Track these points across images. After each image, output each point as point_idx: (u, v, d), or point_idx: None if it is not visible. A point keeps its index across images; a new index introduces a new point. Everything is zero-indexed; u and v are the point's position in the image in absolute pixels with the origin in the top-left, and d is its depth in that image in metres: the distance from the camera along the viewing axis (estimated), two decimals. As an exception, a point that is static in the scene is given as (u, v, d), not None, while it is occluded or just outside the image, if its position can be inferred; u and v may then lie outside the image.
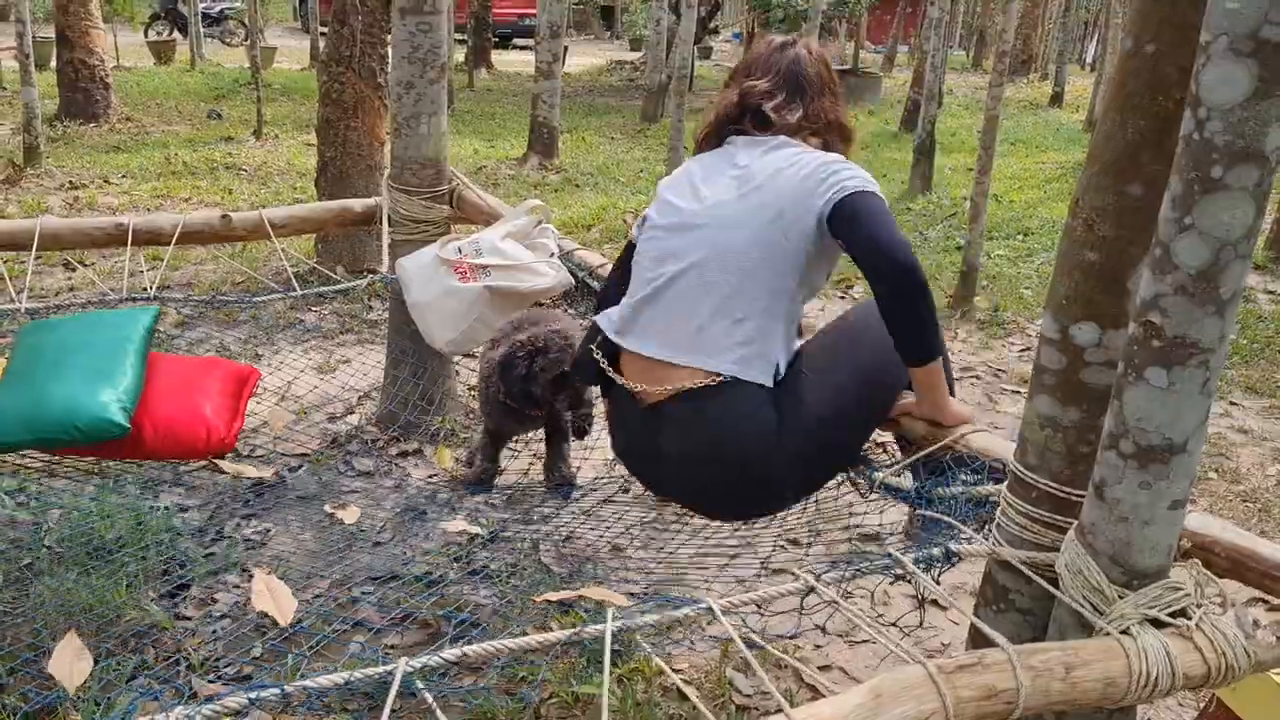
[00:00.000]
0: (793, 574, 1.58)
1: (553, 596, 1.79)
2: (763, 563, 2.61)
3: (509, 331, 2.63)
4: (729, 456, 1.90)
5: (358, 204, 3.79)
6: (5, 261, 5.29)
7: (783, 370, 1.93)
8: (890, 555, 1.58)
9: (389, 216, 3.74)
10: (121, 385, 2.28)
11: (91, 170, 8.38)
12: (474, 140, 11.07)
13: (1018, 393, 4.61)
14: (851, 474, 2.05)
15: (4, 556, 2.65)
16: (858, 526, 2.82)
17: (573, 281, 3.00)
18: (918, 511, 1.83)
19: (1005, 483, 1.66)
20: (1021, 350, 5.18)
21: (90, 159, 8.88)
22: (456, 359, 4.03)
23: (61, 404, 2.19)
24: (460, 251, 3.04)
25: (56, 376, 2.25)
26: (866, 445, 2.04)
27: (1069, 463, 1.55)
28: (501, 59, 20.74)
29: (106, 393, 2.24)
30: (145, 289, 3.04)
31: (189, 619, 2.88)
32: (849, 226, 1.88)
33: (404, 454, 3.77)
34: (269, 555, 3.11)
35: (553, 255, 3.06)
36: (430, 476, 3.52)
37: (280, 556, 3.08)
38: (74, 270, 5.74)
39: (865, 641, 2.65)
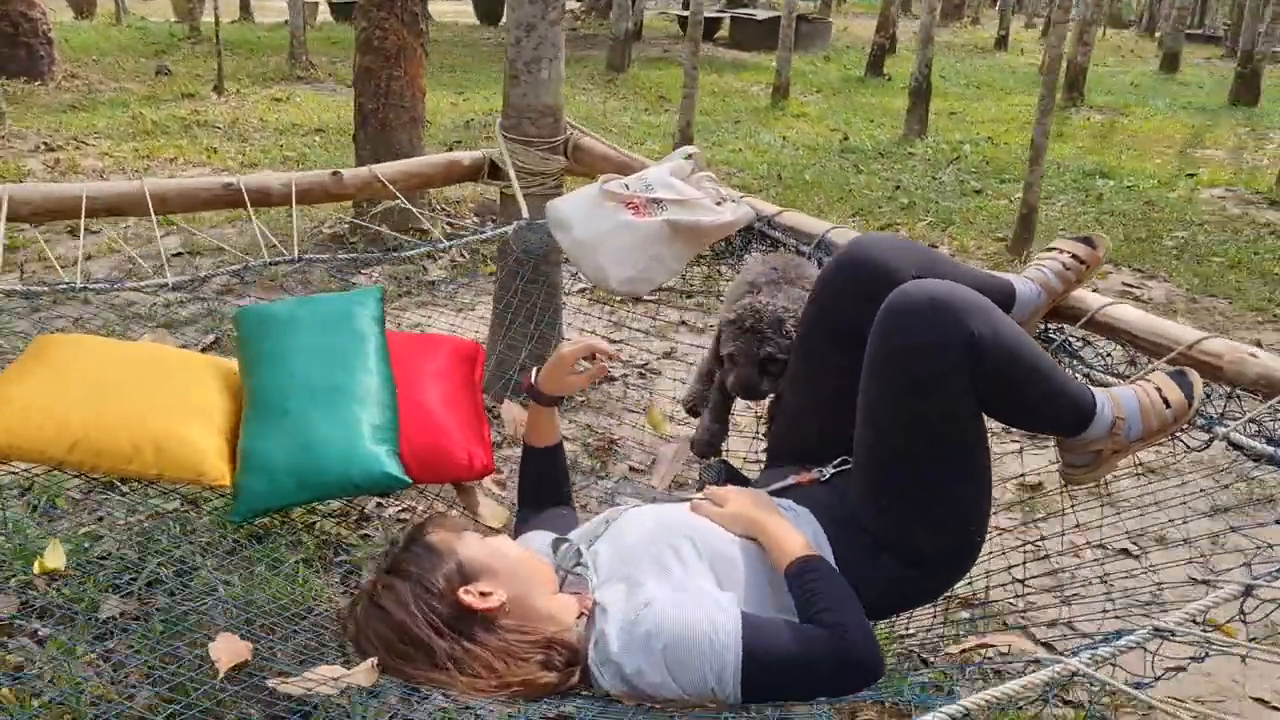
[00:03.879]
0: (1218, 584, 1.47)
1: (959, 647, 1.66)
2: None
3: (770, 280, 2.41)
4: None
5: (465, 157, 3.55)
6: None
7: None
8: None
9: (498, 168, 3.52)
10: (384, 417, 2.07)
11: (61, 132, 7.86)
12: (445, 94, 10.70)
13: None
14: (1180, 426, 1.93)
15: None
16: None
17: (754, 216, 2.84)
18: None
19: None
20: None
21: (51, 119, 8.33)
22: (566, 321, 3.84)
23: (334, 459, 1.97)
24: (628, 187, 2.85)
25: (313, 412, 2.01)
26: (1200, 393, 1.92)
27: None
28: (435, 8, 20.15)
29: (374, 435, 2.03)
30: (275, 247, 2.78)
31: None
32: None
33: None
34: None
35: (722, 201, 2.89)
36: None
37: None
38: (76, 238, 5.35)
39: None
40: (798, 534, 1.78)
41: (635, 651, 1.58)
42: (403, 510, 2.97)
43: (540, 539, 1.98)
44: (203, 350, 4.00)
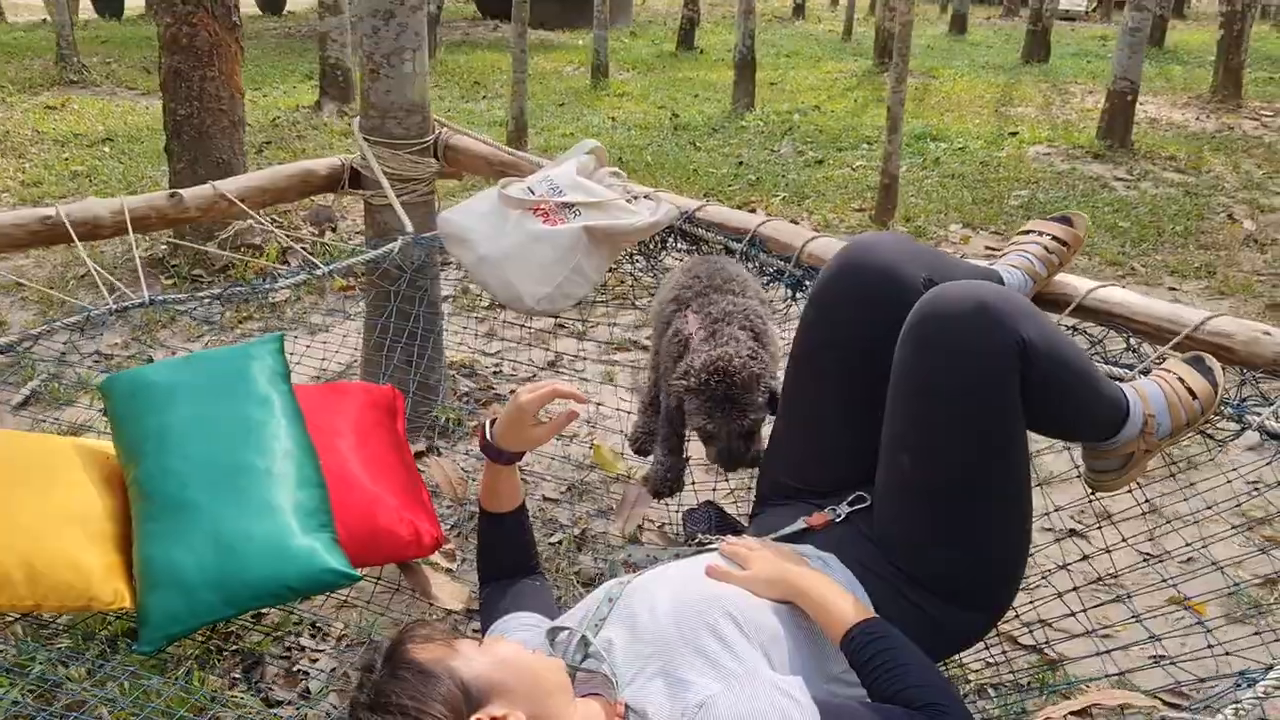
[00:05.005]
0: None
1: (1062, 711, 1.43)
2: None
3: (698, 292, 2.11)
4: None
5: (321, 166, 3.13)
6: None
7: None
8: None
9: (359, 176, 3.12)
10: (313, 498, 1.68)
11: None
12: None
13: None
14: (1208, 419, 1.78)
15: None
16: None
17: (678, 214, 2.57)
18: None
19: None
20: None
21: None
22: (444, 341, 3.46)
23: (261, 559, 1.59)
24: (532, 192, 2.53)
25: (224, 503, 1.62)
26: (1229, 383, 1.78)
27: None
28: None
29: (307, 523, 1.65)
30: (129, 296, 2.33)
31: (287, 702, 2.30)
32: None
33: (418, 455, 3.21)
34: (331, 604, 2.54)
35: (634, 199, 2.61)
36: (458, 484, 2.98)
37: (351, 603, 2.51)
38: None
39: None
40: (844, 592, 1.53)
41: None
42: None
43: (525, 626, 1.66)
44: (18, 409, 3.44)
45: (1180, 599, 2.08)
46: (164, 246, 4.79)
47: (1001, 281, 2.00)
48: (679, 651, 1.42)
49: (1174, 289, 4.75)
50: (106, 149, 7.44)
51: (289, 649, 2.48)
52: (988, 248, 5.28)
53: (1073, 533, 2.29)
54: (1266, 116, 8.86)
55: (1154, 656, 1.56)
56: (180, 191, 2.82)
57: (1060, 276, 2.11)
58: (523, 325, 4.35)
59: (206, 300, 2.40)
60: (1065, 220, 2.13)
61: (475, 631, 2.39)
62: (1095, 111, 8.39)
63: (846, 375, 1.75)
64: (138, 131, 7.89)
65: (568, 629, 1.56)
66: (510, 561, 1.83)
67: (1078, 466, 1.83)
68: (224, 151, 4.57)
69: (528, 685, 1.36)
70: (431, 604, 1.99)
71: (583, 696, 1.45)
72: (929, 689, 1.37)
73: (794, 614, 1.53)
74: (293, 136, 7.93)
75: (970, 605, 1.66)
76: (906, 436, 1.61)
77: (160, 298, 2.35)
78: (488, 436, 1.75)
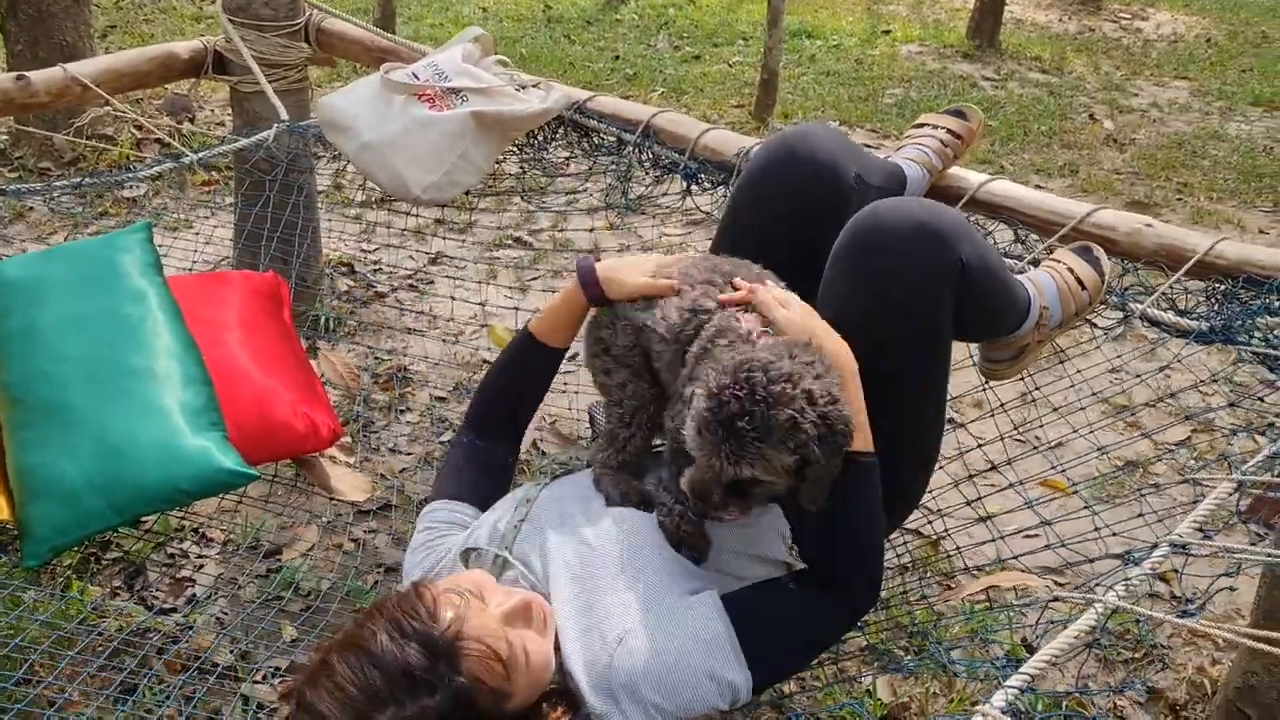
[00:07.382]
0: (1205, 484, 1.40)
1: (965, 594, 1.48)
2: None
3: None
4: None
5: (182, 49, 2.93)
6: None
7: None
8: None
9: (225, 60, 2.93)
10: (200, 396, 1.58)
11: None
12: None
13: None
14: (1094, 308, 1.84)
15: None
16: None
17: (568, 103, 2.50)
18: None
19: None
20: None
21: None
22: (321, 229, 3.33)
23: (150, 462, 1.50)
24: (417, 77, 2.43)
25: (106, 405, 1.51)
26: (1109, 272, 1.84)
27: None
28: None
29: (196, 422, 1.56)
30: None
31: (172, 610, 2.24)
32: None
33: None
34: (213, 510, 2.46)
35: (524, 88, 2.53)
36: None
37: (230, 511, 2.44)
38: None
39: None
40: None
41: (620, 700, 1.29)
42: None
43: (450, 525, 1.61)
44: None
45: (1061, 485, 2.19)
46: (4, 136, 4.46)
47: (904, 176, 2.01)
48: (592, 579, 1.41)
49: (1040, 187, 4.90)
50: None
51: (172, 555, 2.41)
52: (865, 146, 5.33)
53: (961, 425, 2.38)
54: (1124, 19, 9.12)
55: (1046, 545, 1.63)
56: (28, 75, 2.60)
57: (953, 170, 2.14)
58: (407, 214, 4.21)
59: (66, 189, 2.23)
60: (959, 114, 2.15)
61: (369, 531, 2.35)
62: (964, 11, 8.49)
63: (776, 268, 1.73)
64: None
65: (480, 550, 1.51)
66: (527, 397, 1.76)
67: (973, 356, 1.88)
68: (68, 33, 4.25)
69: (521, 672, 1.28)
70: (332, 498, 1.94)
71: None
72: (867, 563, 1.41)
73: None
74: (139, 20, 7.41)
75: (889, 509, 1.66)
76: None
77: (14, 187, 2.18)
78: (595, 276, 1.63)
